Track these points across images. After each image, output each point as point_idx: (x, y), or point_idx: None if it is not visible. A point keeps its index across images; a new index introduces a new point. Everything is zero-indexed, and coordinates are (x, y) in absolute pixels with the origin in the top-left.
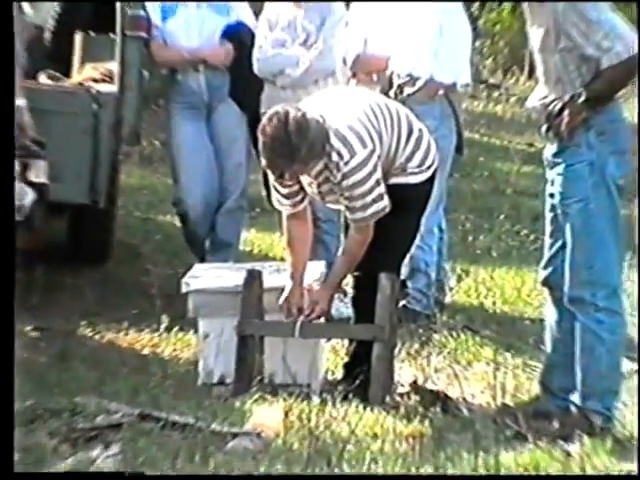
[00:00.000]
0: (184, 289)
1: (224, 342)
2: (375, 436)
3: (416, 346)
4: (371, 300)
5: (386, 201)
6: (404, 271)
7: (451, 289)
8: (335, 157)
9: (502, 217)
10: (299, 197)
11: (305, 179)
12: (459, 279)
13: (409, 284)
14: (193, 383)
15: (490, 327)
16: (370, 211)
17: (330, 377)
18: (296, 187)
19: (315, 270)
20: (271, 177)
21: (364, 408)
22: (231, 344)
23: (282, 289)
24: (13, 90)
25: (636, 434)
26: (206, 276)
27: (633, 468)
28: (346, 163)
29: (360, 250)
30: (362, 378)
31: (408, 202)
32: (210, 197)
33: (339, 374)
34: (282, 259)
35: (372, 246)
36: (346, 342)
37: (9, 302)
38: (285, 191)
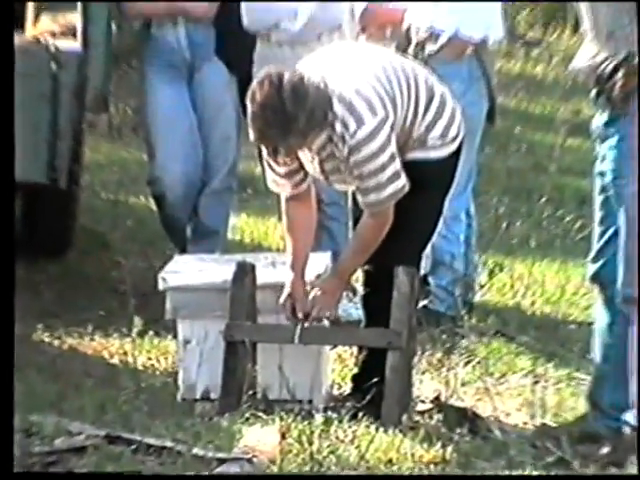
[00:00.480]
0: (161, 286)
1: (209, 349)
2: (390, 463)
3: (439, 355)
4: (385, 299)
5: (404, 180)
6: (425, 265)
7: (481, 286)
8: (340, 128)
9: (543, 200)
10: (299, 176)
11: (305, 155)
12: (491, 274)
13: (431, 280)
14: (171, 399)
15: (528, 332)
16: (387, 192)
17: (336, 392)
18: (295, 165)
19: (319, 263)
20: (264, 153)
21: (376, 429)
22: (217, 352)
23: (279, 286)
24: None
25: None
26: (187, 270)
27: None
28: (353, 134)
29: (375, 238)
30: (374, 393)
31: (429, 181)
32: (192, 175)
33: (347, 388)
34: (279, 250)
35: (386, 234)
36: (355, 350)
37: (9, 306)
38: (282, 170)
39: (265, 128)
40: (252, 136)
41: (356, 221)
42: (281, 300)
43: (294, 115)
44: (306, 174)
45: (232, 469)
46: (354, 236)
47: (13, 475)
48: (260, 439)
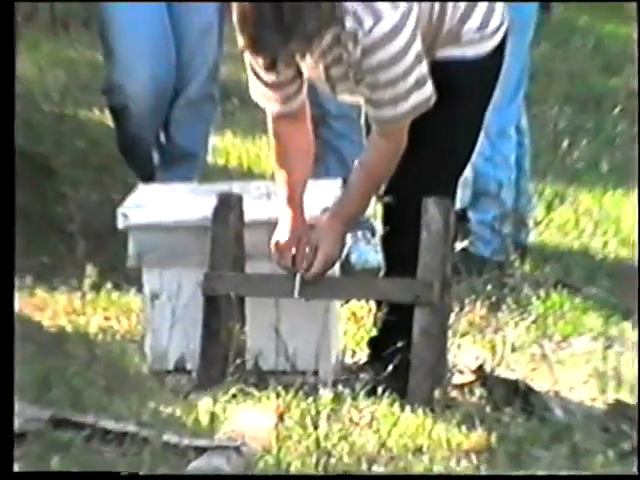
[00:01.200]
0: (121, 224)
1: (183, 306)
2: (419, 451)
3: (483, 312)
4: (412, 240)
5: (430, 88)
6: (463, 195)
7: (537, 223)
8: (351, 24)
9: (616, 111)
10: (293, 87)
11: (305, 60)
12: (549, 208)
13: (472, 216)
14: (135, 370)
15: (598, 282)
16: (408, 104)
17: (349, 360)
18: (291, 72)
19: (326, 193)
20: (251, 61)
21: (401, 408)
22: (194, 309)
23: (274, 223)
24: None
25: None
26: (155, 204)
27: None
28: (368, 32)
29: (387, 166)
30: (398, 362)
31: (465, 87)
32: (162, 80)
33: (363, 356)
34: (274, 177)
35: (410, 156)
36: (373, 306)
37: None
38: (272, 79)
39: (259, 33)
40: (242, 43)
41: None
42: (272, 242)
43: (296, 14)
44: (302, 84)
45: (215, 460)
46: (358, 165)
47: (13, 475)
48: (251, 422)
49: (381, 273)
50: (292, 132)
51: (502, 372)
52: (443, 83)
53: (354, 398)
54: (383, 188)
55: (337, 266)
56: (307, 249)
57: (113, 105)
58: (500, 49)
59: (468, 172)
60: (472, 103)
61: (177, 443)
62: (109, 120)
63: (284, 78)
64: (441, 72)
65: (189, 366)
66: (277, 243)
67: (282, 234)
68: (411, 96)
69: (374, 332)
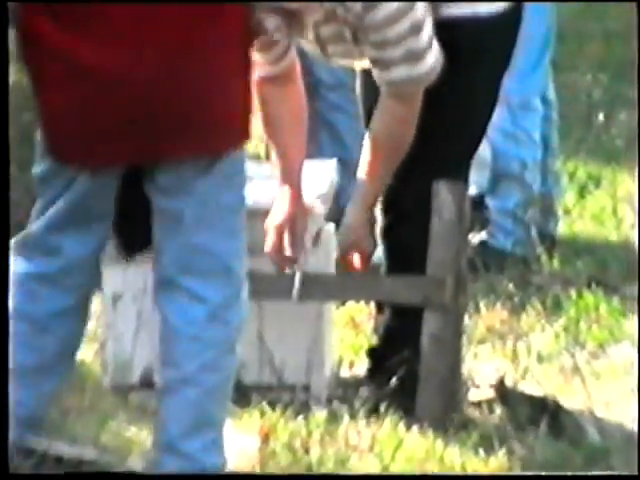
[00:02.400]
0: None
1: (150, 309)
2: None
3: (504, 315)
4: (419, 231)
5: (437, 49)
6: (481, 178)
7: (567, 211)
8: None
9: None
10: (280, 48)
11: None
12: (582, 193)
13: (490, 202)
14: (94, 384)
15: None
16: (429, 61)
17: (345, 373)
18: (277, 33)
19: (319, 176)
20: None
21: (407, 428)
22: None
23: (266, 211)
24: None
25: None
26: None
27: None
28: None
29: (408, 130)
30: (403, 375)
31: (476, 49)
32: None
33: (362, 367)
34: (269, 157)
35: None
36: (374, 308)
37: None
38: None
39: None
40: None
41: (370, 112)
42: (266, 224)
43: None
44: (289, 44)
45: None
46: (373, 137)
47: (9, 476)
48: (231, 444)
49: (382, 270)
50: (282, 97)
51: (526, 387)
52: (452, 44)
53: (352, 417)
54: None
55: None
56: (303, 237)
57: None
58: (518, 5)
59: (486, 151)
60: (485, 67)
61: (143, 473)
62: None
63: (269, 40)
64: (449, 32)
65: (157, 380)
66: (270, 225)
67: (276, 216)
68: (428, 53)
69: (375, 340)
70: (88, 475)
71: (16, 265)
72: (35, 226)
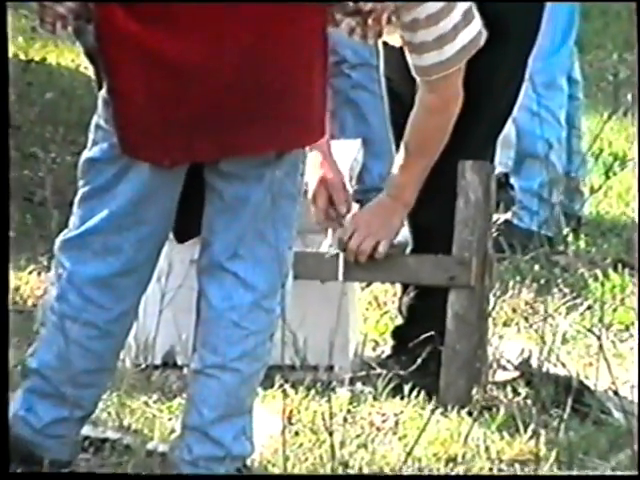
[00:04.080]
0: None
1: (174, 288)
2: (452, 461)
3: (530, 295)
4: (444, 212)
5: (479, 22)
6: (506, 158)
7: (593, 191)
8: None
9: None
10: None
11: None
12: (608, 173)
13: (515, 182)
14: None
15: None
16: (454, 47)
17: (369, 353)
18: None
19: (343, 155)
20: None
21: (432, 410)
22: (187, 293)
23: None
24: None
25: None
26: None
27: None
28: None
29: (439, 124)
30: (427, 355)
31: (501, 29)
32: None
33: (386, 348)
34: None
35: None
36: (398, 289)
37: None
38: None
39: None
40: None
41: (392, 93)
42: (309, 196)
43: None
44: None
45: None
46: (410, 130)
47: (9, 475)
48: (255, 425)
49: (407, 251)
50: None
51: (551, 367)
52: None
53: (375, 398)
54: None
55: None
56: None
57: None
58: None
59: (511, 130)
60: (512, 47)
61: (164, 452)
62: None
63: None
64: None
65: (180, 361)
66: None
67: (314, 181)
68: (459, 35)
69: (399, 320)
70: (88, 475)
71: (67, 266)
72: (91, 224)
